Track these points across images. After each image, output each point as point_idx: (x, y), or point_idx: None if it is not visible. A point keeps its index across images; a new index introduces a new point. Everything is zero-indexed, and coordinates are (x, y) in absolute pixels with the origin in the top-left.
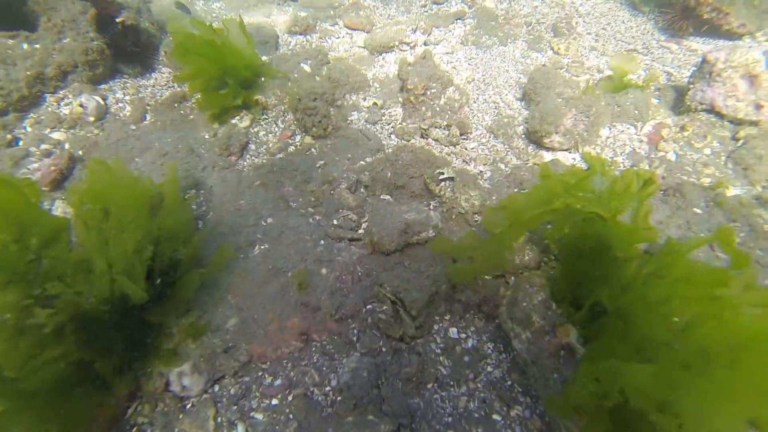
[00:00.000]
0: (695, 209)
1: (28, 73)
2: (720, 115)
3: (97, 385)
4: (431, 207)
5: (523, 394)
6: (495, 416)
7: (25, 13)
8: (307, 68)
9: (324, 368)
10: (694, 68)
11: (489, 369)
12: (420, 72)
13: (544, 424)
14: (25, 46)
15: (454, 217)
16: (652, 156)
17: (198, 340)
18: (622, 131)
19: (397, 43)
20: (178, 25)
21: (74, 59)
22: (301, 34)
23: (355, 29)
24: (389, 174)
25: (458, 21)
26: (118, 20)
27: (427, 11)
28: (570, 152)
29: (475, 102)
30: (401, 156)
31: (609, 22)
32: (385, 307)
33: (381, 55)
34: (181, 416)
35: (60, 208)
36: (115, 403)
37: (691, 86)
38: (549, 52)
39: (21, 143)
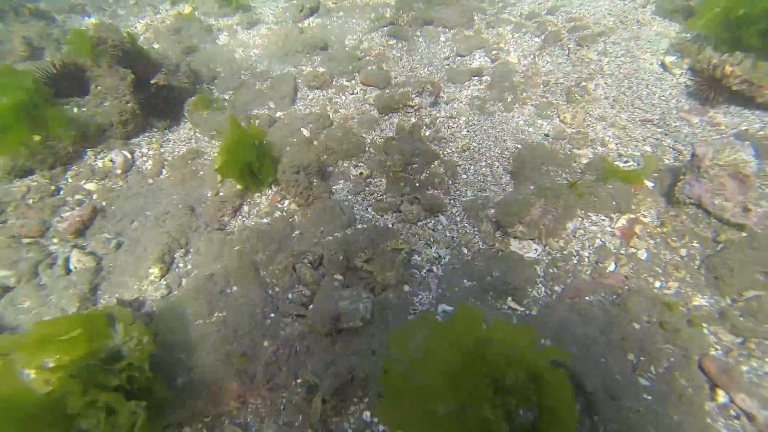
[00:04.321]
0: (634, 324)
1: (74, 132)
2: (707, 212)
3: None
4: (365, 297)
5: None
6: None
7: (86, 79)
8: (306, 133)
9: (253, 430)
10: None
11: None
12: (401, 149)
13: None
14: (75, 110)
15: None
16: (621, 252)
17: None
18: (595, 223)
19: (401, 106)
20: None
21: (110, 119)
22: (317, 89)
23: (369, 85)
24: (341, 257)
25: (474, 78)
26: (152, 81)
27: (448, 65)
28: (534, 242)
29: (464, 173)
30: (358, 238)
31: (632, 85)
32: (300, 390)
33: (387, 115)
34: None
35: (76, 257)
36: None
37: (682, 178)
38: (555, 120)
39: (62, 193)
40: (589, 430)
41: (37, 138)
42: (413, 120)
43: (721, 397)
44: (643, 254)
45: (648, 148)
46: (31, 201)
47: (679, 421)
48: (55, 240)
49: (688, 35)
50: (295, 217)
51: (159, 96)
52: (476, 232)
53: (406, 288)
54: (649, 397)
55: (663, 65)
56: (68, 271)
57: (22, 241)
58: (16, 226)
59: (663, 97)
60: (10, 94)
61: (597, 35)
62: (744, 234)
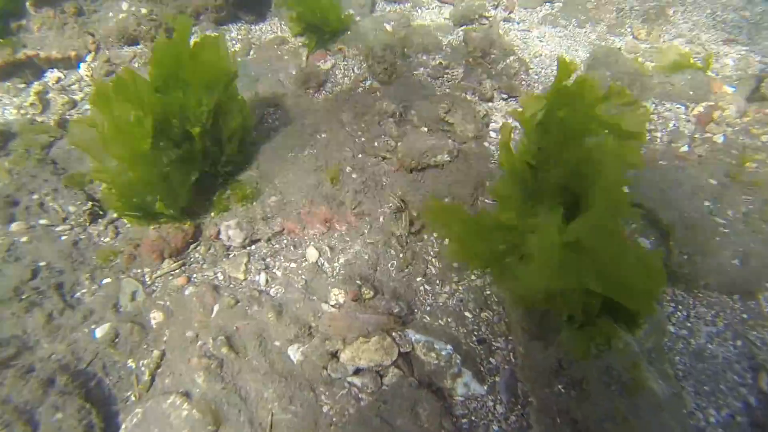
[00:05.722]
0: (711, 180)
1: (173, 11)
2: None
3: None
4: (450, 141)
5: (498, 304)
6: (467, 314)
7: None
8: (389, 28)
9: (337, 249)
10: None
11: (473, 277)
12: (482, 38)
13: (507, 329)
14: None
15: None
16: (696, 136)
17: (245, 205)
18: (670, 109)
19: (477, 16)
20: None
21: (206, 3)
22: (395, 2)
23: (445, 3)
24: (425, 113)
25: (547, 4)
26: None
27: None
28: None
29: (536, 74)
30: (443, 99)
31: (715, 11)
32: (390, 205)
33: (462, 26)
34: (224, 259)
35: None
36: (186, 232)
37: None
38: (629, 37)
39: None
40: (665, 257)
41: (144, 11)
42: None
43: None
44: (719, 138)
45: (729, 61)
46: (136, 65)
47: (752, 246)
48: None
49: None
50: (377, 93)
51: None
52: None
53: (486, 144)
54: (727, 230)
55: None
56: None
57: None
58: None
59: (753, 21)
60: None
61: None
62: None
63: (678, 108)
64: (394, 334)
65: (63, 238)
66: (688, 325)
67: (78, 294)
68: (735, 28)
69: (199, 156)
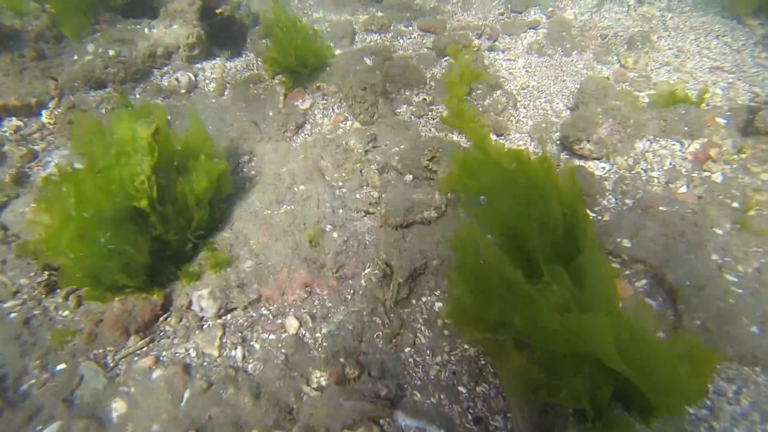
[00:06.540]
0: (715, 229)
1: (144, 51)
2: None
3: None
4: (438, 194)
5: (494, 375)
6: (461, 388)
7: (155, 3)
8: (369, 62)
9: (318, 317)
10: None
11: (466, 346)
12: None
13: (505, 405)
14: (146, 30)
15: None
16: (694, 175)
17: (218, 271)
18: (665, 147)
19: (461, 47)
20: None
21: (178, 42)
22: (375, 32)
23: (427, 31)
24: (410, 160)
25: (531, 30)
26: (217, 11)
27: (503, 19)
28: (601, 161)
29: (524, 108)
30: (428, 144)
31: (698, 36)
32: (376, 271)
33: (446, 56)
34: (197, 331)
35: None
36: (155, 303)
37: (766, 106)
38: (616, 66)
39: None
40: (674, 321)
41: (112, 53)
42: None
43: None
44: (718, 177)
45: (719, 91)
46: (103, 110)
47: None
48: None
49: None
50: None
51: (223, 26)
52: (539, 153)
53: None
54: (740, 290)
55: (739, 19)
56: None
57: None
58: None
59: (735, 48)
60: None
61: None
62: None
63: (673, 145)
64: (381, 421)
65: (12, 316)
66: (708, 403)
67: (24, 386)
68: (720, 55)
69: (157, 227)
